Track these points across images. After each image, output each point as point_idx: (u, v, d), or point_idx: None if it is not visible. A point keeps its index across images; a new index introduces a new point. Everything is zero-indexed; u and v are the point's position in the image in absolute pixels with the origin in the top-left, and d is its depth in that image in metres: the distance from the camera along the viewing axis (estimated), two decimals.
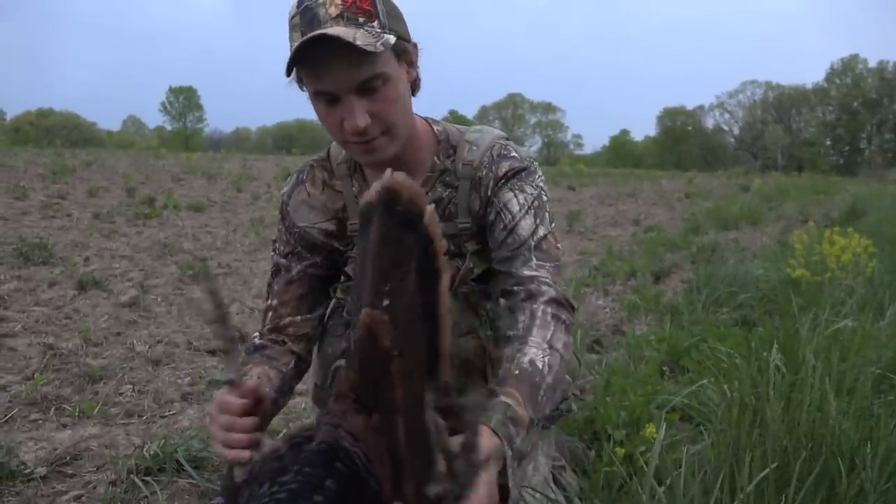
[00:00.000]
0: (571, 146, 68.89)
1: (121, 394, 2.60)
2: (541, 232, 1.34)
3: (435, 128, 1.44)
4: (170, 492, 1.85)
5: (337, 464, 0.88)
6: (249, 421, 1.03)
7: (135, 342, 3.14)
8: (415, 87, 1.30)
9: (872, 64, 56.73)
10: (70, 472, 1.99)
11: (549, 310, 1.26)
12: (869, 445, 1.22)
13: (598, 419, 2.08)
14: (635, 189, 14.36)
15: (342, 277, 1.53)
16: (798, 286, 3.64)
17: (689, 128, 62.63)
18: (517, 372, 1.14)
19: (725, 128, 63.39)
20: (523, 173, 1.37)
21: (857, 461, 1.24)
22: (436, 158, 1.41)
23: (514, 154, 1.39)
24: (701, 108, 63.57)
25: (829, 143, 57.26)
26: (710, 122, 63.45)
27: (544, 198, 1.38)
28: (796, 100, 59.18)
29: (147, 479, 1.89)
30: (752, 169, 39.34)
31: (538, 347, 1.18)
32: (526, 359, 1.16)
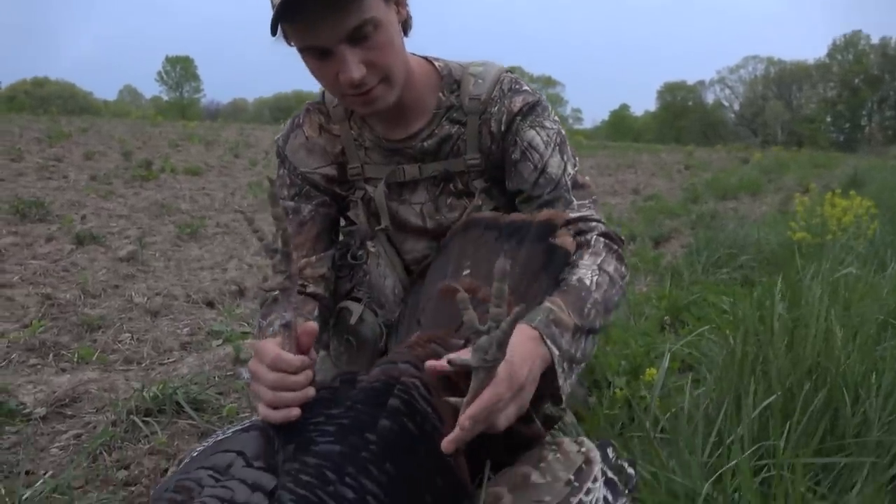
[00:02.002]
0: (571, 120, 68.41)
1: (119, 342, 2.59)
2: (570, 168, 1.32)
3: (436, 64, 1.40)
4: (170, 432, 1.84)
5: (392, 401, 0.86)
6: (303, 378, 0.91)
7: (133, 294, 3.14)
8: (406, 26, 1.25)
9: (875, 40, 56.25)
10: (69, 413, 1.99)
11: (601, 239, 1.25)
12: (874, 376, 1.21)
13: (597, 367, 2.07)
14: (634, 161, 14.29)
15: (342, 222, 1.51)
16: (799, 249, 3.63)
17: (690, 103, 62.22)
18: (564, 287, 1.13)
19: (726, 103, 63.03)
20: (538, 108, 1.34)
21: (861, 392, 1.23)
22: (440, 94, 1.37)
23: (525, 88, 1.36)
24: (701, 83, 63.16)
25: (829, 119, 56.98)
26: (710, 98, 63.07)
27: (563, 132, 1.36)
28: (798, 76, 58.77)
29: (147, 419, 1.89)
30: (751, 144, 39.18)
31: (588, 268, 1.17)
32: (574, 277, 1.15)
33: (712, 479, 1.04)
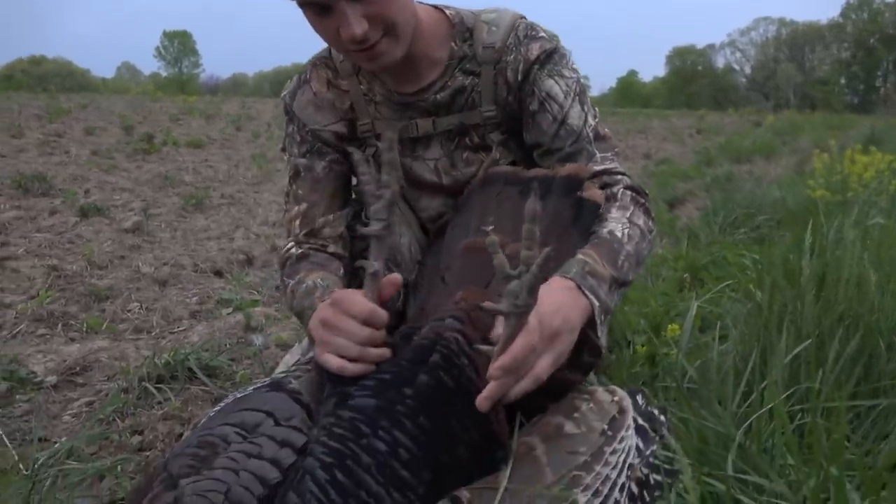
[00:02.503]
0: None
1: (128, 311, 2.60)
2: (591, 119, 1.28)
3: (447, 12, 1.35)
4: (183, 398, 1.85)
5: (433, 356, 0.87)
6: (383, 333, 0.92)
7: (140, 264, 3.13)
8: None
9: None
10: (80, 381, 1.99)
11: (627, 193, 1.23)
12: None
13: (616, 327, 2.06)
14: (645, 126, 14.17)
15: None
16: (818, 207, 3.59)
17: (699, 67, 61.51)
18: (595, 240, 1.11)
19: (736, 67, 62.26)
20: (556, 56, 1.30)
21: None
22: (452, 44, 1.33)
23: (542, 34, 1.31)
24: (711, 46, 62.30)
25: (843, 81, 56.24)
26: (720, 62, 62.31)
27: (582, 81, 1.33)
28: (810, 37, 57.89)
29: (160, 385, 1.89)
30: (763, 109, 38.78)
31: (617, 221, 1.16)
32: (605, 230, 1.13)
33: (745, 425, 1.02)
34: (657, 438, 0.93)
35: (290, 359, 1.71)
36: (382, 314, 0.91)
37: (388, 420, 0.81)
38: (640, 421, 0.93)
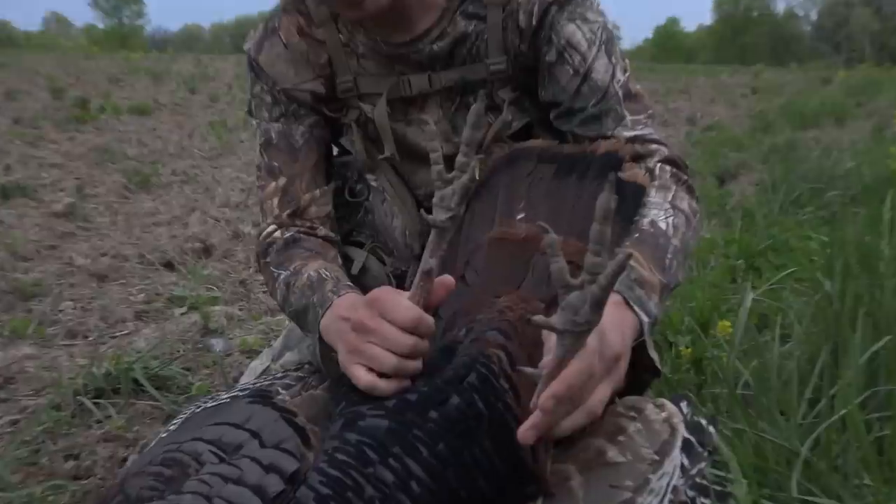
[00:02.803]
0: None
1: (60, 311, 2.60)
2: (620, 74, 1.28)
3: None
4: (127, 415, 1.85)
5: (471, 376, 0.89)
6: (427, 344, 0.95)
7: (73, 255, 3.15)
8: None
9: None
10: (2, 395, 2.00)
11: (666, 168, 1.23)
12: None
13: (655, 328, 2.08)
14: (688, 85, 14.15)
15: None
16: None
17: (755, 14, 61.39)
18: (636, 235, 1.12)
19: (800, 12, 62.17)
20: None
21: None
22: None
23: None
24: None
25: None
26: (780, 6, 62.18)
27: (610, 27, 1.32)
28: None
29: (99, 401, 1.90)
30: (833, 63, 38.74)
31: (658, 208, 1.16)
32: (646, 220, 1.14)
33: (811, 438, 1.03)
34: (706, 455, 0.94)
35: (257, 365, 1.72)
36: (430, 322, 0.93)
37: (401, 446, 0.82)
38: (687, 434, 0.94)
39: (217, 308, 2.63)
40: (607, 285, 0.74)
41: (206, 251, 3.34)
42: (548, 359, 0.85)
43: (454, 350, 0.96)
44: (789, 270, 2.17)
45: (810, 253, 2.61)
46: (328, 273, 1.20)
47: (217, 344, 2.31)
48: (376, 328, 0.93)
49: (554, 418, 0.82)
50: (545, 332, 0.92)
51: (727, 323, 1.73)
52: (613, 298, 0.99)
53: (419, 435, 0.83)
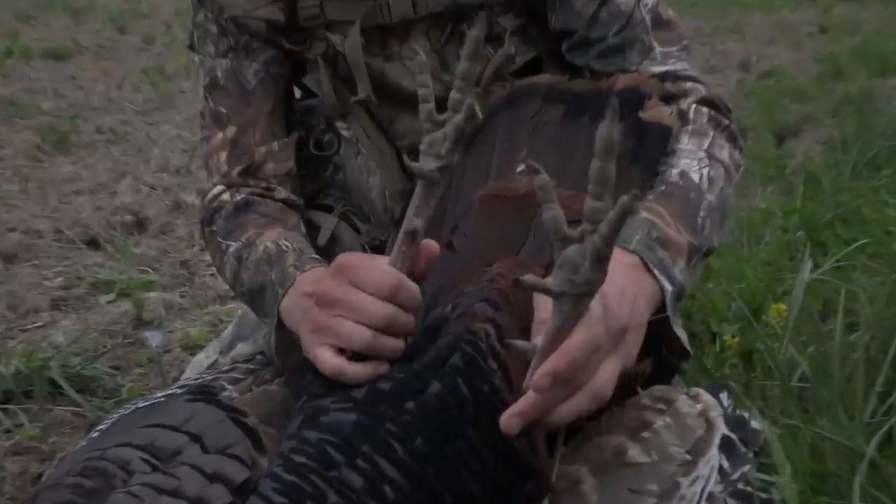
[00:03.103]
0: None
1: None
2: None
3: None
4: (42, 423, 1.86)
5: (454, 357, 0.90)
6: (413, 320, 0.96)
7: None
8: None
9: None
10: None
11: (703, 109, 1.25)
12: None
13: (695, 314, 2.09)
14: (740, 22, 14.08)
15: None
16: None
17: None
18: (662, 188, 1.14)
19: None
20: None
21: None
22: None
23: None
24: None
25: None
26: None
27: None
28: None
29: (7, 406, 1.91)
30: None
31: (691, 157, 1.18)
32: (675, 171, 1.16)
33: (877, 437, 1.04)
34: (751, 456, 0.95)
35: (202, 360, 1.72)
36: (414, 290, 0.94)
37: (371, 444, 0.83)
38: (726, 431, 0.96)
39: (153, 294, 2.63)
40: (610, 234, 0.74)
41: (139, 225, 3.34)
42: (543, 329, 0.85)
43: (439, 330, 0.97)
44: (860, 243, 2.17)
45: (887, 223, 2.61)
46: (289, 244, 1.20)
47: (153, 338, 2.32)
48: (345, 298, 0.93)
49: (547, 401, 0.82)
50: (539, 299, 0.92)
51: (783, 306, 1.74)
52: (629, 260, 1.01)
53: (393, 430, 0.84)
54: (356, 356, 0.93)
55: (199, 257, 2.99)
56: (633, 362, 0.94)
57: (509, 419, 0.81)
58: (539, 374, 0.80)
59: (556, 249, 0.78)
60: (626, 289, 0.95)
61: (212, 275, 2.81)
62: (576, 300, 0.79)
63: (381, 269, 0.93)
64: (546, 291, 0.79)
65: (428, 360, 0.91)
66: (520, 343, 0.86)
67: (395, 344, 0.93)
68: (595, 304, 0.82)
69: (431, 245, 0.97)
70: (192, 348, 2.25)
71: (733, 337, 1.81)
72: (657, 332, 1.03)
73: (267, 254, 1.19)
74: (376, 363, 0.92)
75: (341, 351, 0.93)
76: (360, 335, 0.91)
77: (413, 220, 0.93)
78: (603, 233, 0.74)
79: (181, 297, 2.67)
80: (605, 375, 0.86)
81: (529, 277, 0.79)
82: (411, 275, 0.95)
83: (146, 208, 3.49)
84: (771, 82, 7.25)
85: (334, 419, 0.86)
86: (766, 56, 9.69)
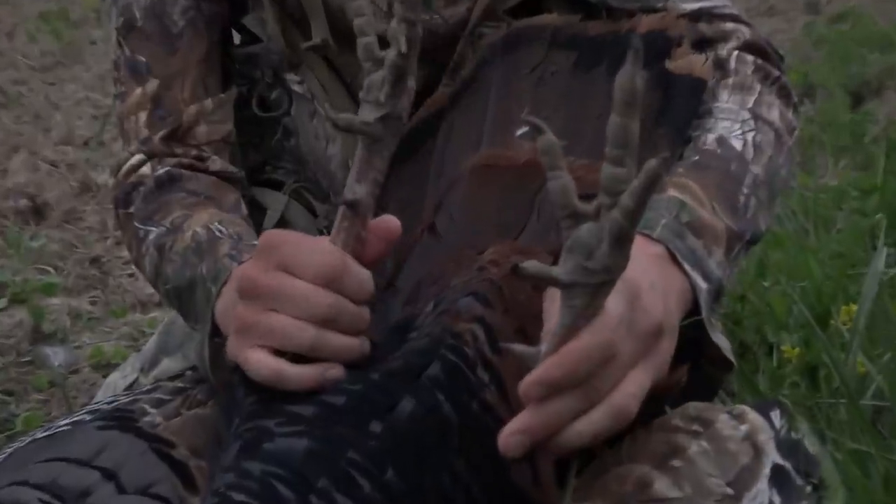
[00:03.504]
0: None
1: None
2: None
3: None
4: None
5: (433, 367, 0.90)
6: (366, 314, 0.95)
7: None
8: None
9: None
10: None
11: (747, 58, 1.27)
12: None
13: (746, 320, 2.10)
14: None
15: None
16: None
17: None
18: (695, 158, 1.16)
19: None
20: None
21: None
22: None
23: None
24: None
25: None
26: None
27: None
28: None
29: None
30: None
31: (732, 119, 1.20)
32: (710, 136, 1.18)
33: None
34: (809, 490, 0.95)
35: (117, 380, 1.74)
36: (362, 276, 0.93)
37: (329, 477, 0.83)
38: (778, 459, 0.95)
39: (55, 300, 2.64)
40: (634, 208, 0.74)
41: (38, 213, 3.36)
42: (549, 328, 0.86)
43: (406, 330, 0.98)
44: None
45: None
46: (224, 228, 1.20)
47: (55, 355, 2.33)
48: (276, 286, 0.93)
49: (556, 417, 0.83)
50: (549, 297, 0.92)
51: (854, 307, 1.75)
52: (652, 250, 1.01)
53: (355, 459, 0.84)
54: (297, 361, 0.92)
55: (115, 252, 3.01)
56: (666, 374, 0.95)
57: (509, 438, 0.82)
58: (528, 381, 0.81)
59: (566, 229, 0.78)
60: (656, 283, 0.95)
61: (130, 275, 2.84)
62: (590, 292, 0.79)
63: (320, 248, 0.93)
64: (552, 282, 0.80)
65: (394, 370, 0.92)
66: (519, 347, 0.85)
67: (347, 342, 0.92)
68: (615, 300, 0.83)
69: (386, 221, 0.97)
70: (106, 368, 2.25)
71: (793, 348, 1.81)
72: (692, 338, 1.03)
73: (196, 241, 1.20)
74: (326, 364, 0.91)
75: (279, 354, 0.92)
76: (299, 332, 0.91)
77: (354, 187, 0.93)
78: (625, 206, 0.74)
79: (91, 303, 2.68)
80: (630, 388, 0.87)
81: (531, 264, 0.79)
82: (361, 261, 0.94)
83: (46, 191, 3.50)
84: (845, 27, 7.24)
85: (281, 446, 0.86)
86: None
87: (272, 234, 0.99)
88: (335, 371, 0.91)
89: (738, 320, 2.08)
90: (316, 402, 0.89)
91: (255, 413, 0.91)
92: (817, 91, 4.98)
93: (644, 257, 0.96)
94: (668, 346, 0.94)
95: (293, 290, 0.91)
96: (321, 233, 1.42)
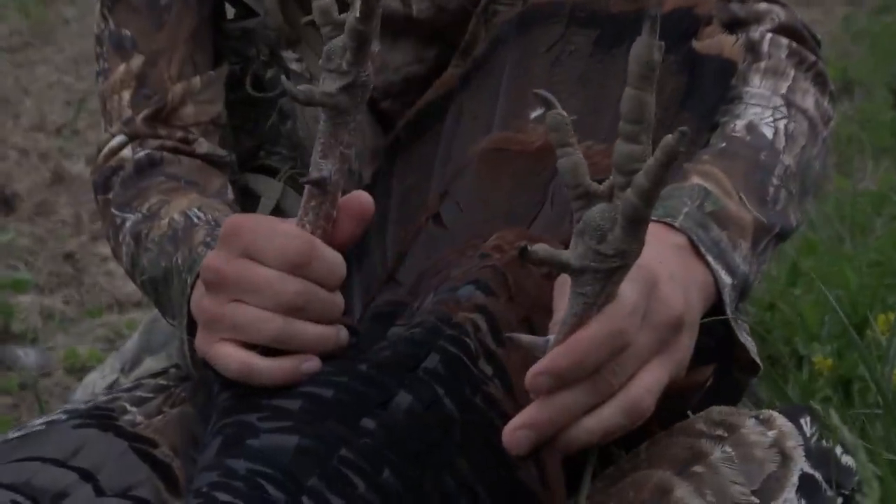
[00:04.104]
0: None
1: None
2: None
3: None
4: None
5: (430, 359, 0.92)
6: (339, 301, 0.96)
7: None
8: None
9: None
10: None
11: (781, 41, 1.28)
12: None
13: (776, 329, 2.11)
14: None
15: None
16: None
17: None
18: (722, 145, 1.17)
19: None
20: None
21: None
22: None
23: None
24: None
25: None
26: None
27: None
28: None
29: None
30: None
31: (764, 105, 1.22)
32: (739, 123, 1.19)
33: None
34: (840, 501, 0.96)
35: (96, 380, 1.76)
36: (333, 259, 0.94)
37: (321, 477, 0.84)
38: (807, 467, 0.96)
39: (25, 298, 2.65)
40: (650, 188, 0.74)
41: (6, 204, 3.35)
42: (558, 317, 0.87)
43: (392, 319, 1.00)
44: None
45: None
46: (203, 214, 1.22)
47: (25, 356, 2.33)
48: (240, 274, 0.93)
49: (564, 411, 0.84)
50: (557, 284, 0.93)
51: (891, 315, 1.76)
52: (674, 240, 1.02)
53: (349, 457, 0.85)
54: (271, 354, 0.92)
55: (90, 249, 3.01)
56: (685, 371, 0.96)
57: (514, 433, 0.83)
58: (533, 371, 0.82)
59: (577, 210, 0.79)
60: (676, 274, 0.96)
61: (107, 273, 2.84)
62: (602, 278, 0.80)
63: (284, 232, 0.94)
64: (562, 266, 0.81)
65: (384, 361, 0.92)
66: (525, 337, 0.87)
67: (319, 331, 0.93)
68: (629, 287, 0.84)
69: (357, 197, 0.97)
70: (80, 371, 2.26)
71: (825, 359, 1.83)
72: (718, 337, 1.05)
73: (173, 229, 1.21)
74: (300, 356, 0.92)
75: (251, 348, 0.93)
76: (264, 323, 0.91)
77: (320, 164, 0.93)
78: (640, 186, 0.74)
79: (64, 302, 2.68)
80: (645, 382, 0.88)
81: (539, 247, 0.79)
82: (332, 243, 0.95)
83: (15, 181, 3.51)
84: (889, 20, 7.22)
85: (267, 443, 0.86)
86: None
87: (235, 220, 0.98)
88: (311, 364, 0.92)
89: (767, 330, 2.07)
90: (302, 395, 0.90)
91: (233, 408, 0.92)
92: (857, 88, 4.97)
93: (663, 246, 0.98)
94: (687, 342, 0.95)
95: (257, 278, 0.92)
96: None
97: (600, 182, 0.79)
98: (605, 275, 0.80)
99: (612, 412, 0.86)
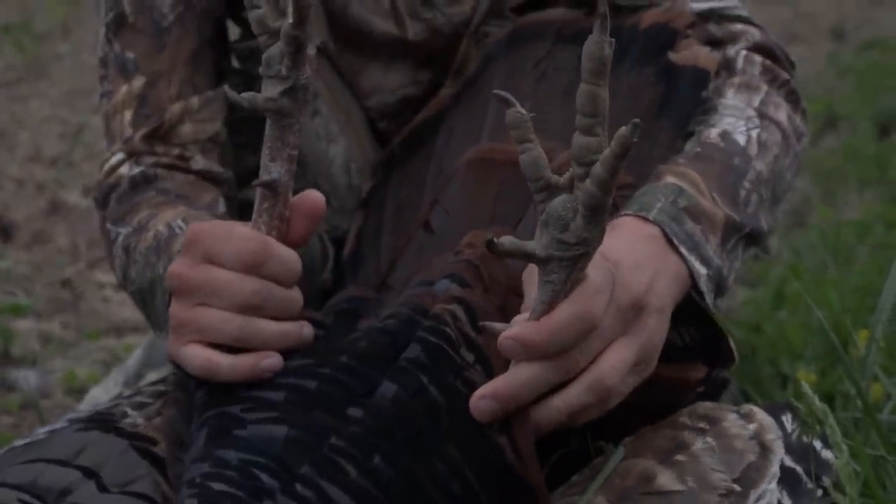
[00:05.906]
0: None
1: None
2: None
3: None
4: None
5: (411, 349, 0.95)
6: (297, 296, 1.00)
7: None
8: None
9: None
10: None
11: (755, 59, 1.32)
12: None
13: (760, 351, 2.15)
14: None
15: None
16: None
17: None
18: (697, 150, 1.20)
19: None
20: None
21: None
22: None
23: None
24: None
25: None
26: None
27: None
28: None
29: None
30: None
31: (737, 115, 1.25)
32: (715, 130, 1.22)
33: None
34: (820, 494, 1.00)
35: (100, 394, 1.77)
36: (287, 257, 0.98)
37: (313, 464, 0.86)
38: (788, 461, 1.00)
39: (24, 323, 2.64)
40: (608, 177, 0.78)
41: (4, 233, 3.34)
42: (528, 304, 0.90)
43: (356, 314, 1.03)
44: None
45: None
46: (185, 225, 1.22)
47: (27, 378, 2.33)
48: (200, 279, 0.97)
49: (522, 384, 0.87)
50: (528, 277, 0.96)
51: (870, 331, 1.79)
52: (647, 231, 1.05)
53: (339, 445, 0.88)
54: (236, 352, 0.96)
55: (87, 276, 3.01)
56: (656, 354, 0.98)
57: (478, 402, 0.87)
58: (504, 335, 0.86)
59: (539, 202, 0.84)
60: (642, 262, 1.00)
61: (103, 299, 2.86)
62: (567, 266, 0.84)
63: (238, 234, 0.97)
64: (528, 256, 0.85)
65: (362, 352, 0.95)
66: (500, 326, 0.90)
67: (279, 328, 0.97)
68: (596, 272, 0.88)
69: (308, 196, 1.01)
70: (79, 393, 2.26)
71: (809, 374, 1.85)
72: (705, 336, 1.09)
73: (157, 240, 1.23)
74: (261, 353, 0.95)
75: (216, 348, 0.96)
76: (226, 323, 0.95)
77: (269, 166, 0.97)
78: (598, 176, 0.79)
79: (62, 327, 2.68)
80: (611, 361, 0.92)
81: (505, 239, 0.84)
82: (288, 242, 0.99)
83: (12, 210, 3.51)
84: (873, 56, 7.24)
85: (256, 433, 0.89)
86: (867, 20, 9.66)
87: (195, 226, 1.01)
88: (271, 360, 0.95)
89: (752, 350, 2.11)
90: (285, 387, 0.94)
91: (213, 402, 0.95)
92: (841, 122, 5.01)
93: (636, 238, 1.03)
94: (654, 325, 0.98)
95: (216, 281, 0.96)
96: (320, 238, 1.46)
97: (561, 175, 0.84)
98: (570, 262, 0.84)
99: (578, 390, 0.90)
